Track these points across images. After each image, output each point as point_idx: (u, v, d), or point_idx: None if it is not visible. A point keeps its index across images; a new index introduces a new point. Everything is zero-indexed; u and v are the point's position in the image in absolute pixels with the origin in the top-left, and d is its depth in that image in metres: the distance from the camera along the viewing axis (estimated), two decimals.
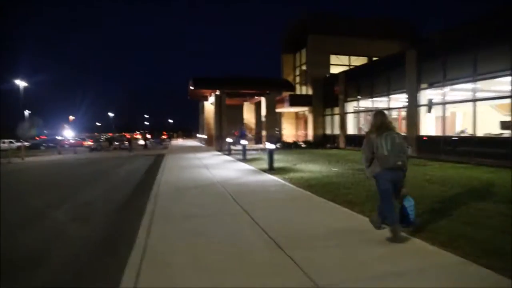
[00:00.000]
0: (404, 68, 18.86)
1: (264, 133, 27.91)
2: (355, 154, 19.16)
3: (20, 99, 44.84)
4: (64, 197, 9.81)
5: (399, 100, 20.62)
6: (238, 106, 35.41)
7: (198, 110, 69.19)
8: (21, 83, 44.94)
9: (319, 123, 29.02)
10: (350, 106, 25.54)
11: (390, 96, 20.60)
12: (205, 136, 35.51)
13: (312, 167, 13.35)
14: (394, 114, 21.39)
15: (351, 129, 25.67)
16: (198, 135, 49.30)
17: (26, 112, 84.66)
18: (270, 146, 12.70)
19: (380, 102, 22.53)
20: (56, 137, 64.51)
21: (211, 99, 30.94)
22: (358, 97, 23.91)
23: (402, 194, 4.74)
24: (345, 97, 25.48)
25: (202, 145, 36.90)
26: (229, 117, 27.60)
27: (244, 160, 17.02)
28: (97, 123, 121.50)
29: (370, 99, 22.53)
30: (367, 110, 23.73)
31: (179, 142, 52.50)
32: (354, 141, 24.40)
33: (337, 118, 27.03)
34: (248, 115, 34.67)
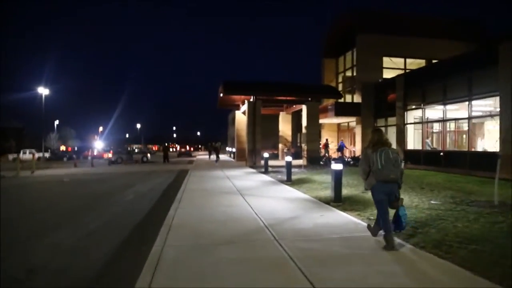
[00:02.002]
0: (496, 66, 14.50)
1: (304, 146, 23.81)
2: (432, 176, 14.78)
3: (42, 107, 42.83)
4: (19, 240, 6.08)
5: (485, 105, 16.20)
6: (273, 116, 31.55)
7: (227, 121, 66.15)
8: (44, 91, 43.05)
9: (368, 136, 24.58)
10: (411, 116, 21.17)
11: (472, 101, 16.16)
12: (235, 150, 31.70)
13: None
14: (475, 122, 16.87)
15: (412, 143, 21.23)
16: (227, 148, 45.72)
17: (56, 122, 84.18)
18: (336, 166, 8.65)
19: (454, 110, 18.12)
20: (76, 148, 62.84)
21: (243, 107, 27.21)
22: (422, 104, 19.53)
23: (398, 204, 5.10)
24: (404, 105, 21.12)
25: (232, 159, 33.10)
26: (262, 129, 23.68)
27: (290, 182, 13.01)
28: (127, 135, 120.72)
29: (441, 106, 18.10)
30: (436, 121, 19.26)
31: (206, 156, 49.02)
32: (416, 158, 19.94)
33: (393, 130, 22.64)
34: (284, 127, 30.67)
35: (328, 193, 10.14)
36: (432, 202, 8.52)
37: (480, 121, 17.94)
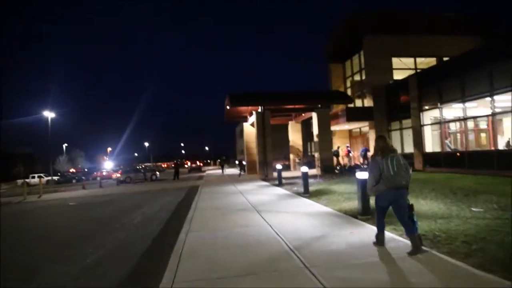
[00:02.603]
0: None
1: (317, 155, 22.92)
2: (458, 179, 13.79)
3: (48, 131, 42.51)
4: None
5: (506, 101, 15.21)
6: (282, 126, 30.76)
7: (234, 135, 65.47)
8: (49, 114, 42.77)
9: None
10: (427, 117, 20.20)
11: (494, 96, 15.19)
12: (245, 163, 30.86)
13: (430, 207, 8.25)
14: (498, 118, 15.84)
15: (430, 146, 20.21)
16: (236, 161, 44.87)
17: (64, 145, 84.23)
18: (362, 175, 7.75)
19: (473, 108, 17.13)
20: (85, 169, 62.39)
21: (251, 119, 26.47)
22: (439, 104, 18.57)
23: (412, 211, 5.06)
24: (419, 106, 20.19)
25: (242, 173, 32.23)
26: (272, 139, 22.83)
27: (307, 194, 12.11)
28: (135, 154, 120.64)
29: (460, 104, 17.13)
30: (456, 120, 18.26)
31: (215, 170, 48.22)
32: (436, 160, 18.94)
33: (408, 133, 21.69)
34: (294, 136, 29.83)
35: (352, 204, 9.26)
36: (474, 209, 7.56)
37: (499, 118, 16.92)
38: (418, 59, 25.08)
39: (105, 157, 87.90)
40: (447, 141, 19.25)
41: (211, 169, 60.49)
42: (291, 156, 30.19)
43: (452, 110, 18.51)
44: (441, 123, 19.03)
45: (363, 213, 7.60)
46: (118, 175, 37.09)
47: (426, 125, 20.14)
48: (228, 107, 25.08)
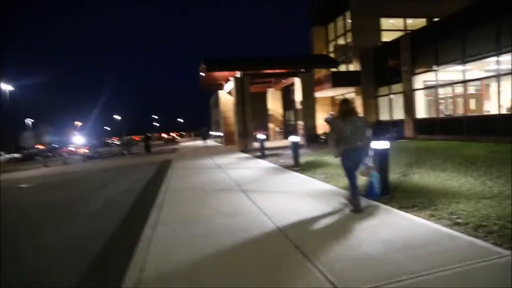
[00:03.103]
0: None
1: (300, 124, 21.21)
2: (464, 147, 12.38)
3: (5, 103, 39.05)
4: None
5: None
6: (260, 94, 28.68)
7: (209, 106, 62.97)
8: (7, 87, 39.25)
9: (371, 107, 22.19)
10: (420, 81, 18.68)
11: (500, 56, 13.69)
12: (222, 134, 28.88)
13: (460, 182, 6.67)
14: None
15: (422, 112, 18.80)
16: (211, 132, 42.78)
17: (28, 120, 79.60)
18: (380, 144, 6.03)
19: (473, 70, 15.64)
20: (54, 145, 58.89)
21: (228, 86, 24.36)
22: (435, 66, 17.00)
23: (368, 170, 5.58)
24: (411, 69, 18.60)
25: (219, 144, 30.26)
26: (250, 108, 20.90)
27: (298, 167, 10.40)
28: (107, 128, 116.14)
29: (460, 66, 15.59)
30: (454, 83, 16.74)
31: (191, 142, 46.03)
32: (429, 127, 17.58)
33: (398, 99, 20.20)
34: (274, 105, 27.94)
35: (362, 178, 7.60)
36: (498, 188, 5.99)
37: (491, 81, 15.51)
38: (408, 21, 23.34)
39: (74, 132, 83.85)
40: (441, 107, 17.88)
41: (187, 141, 58.08)
42: (271, 125, 28.36)
43: (448, 74, 17.02)
44: (436, 87, 17.52)
45: (382, 193, 5.94)
46: (86, 150, 34.47)
47: (418, 89, 18.64)
48: (203, 74, 22.85)
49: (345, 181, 7.49)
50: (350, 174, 5.33)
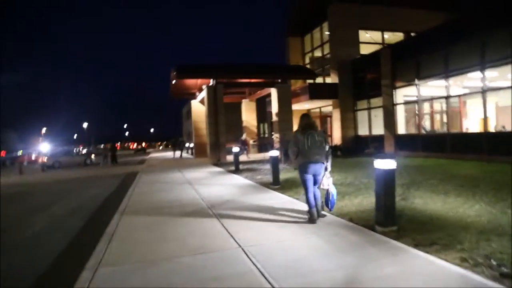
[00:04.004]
0: None
1: (276, 136, 20.18)
2: (450, 165, 11.62)
3: None
4: None
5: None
6: (234, 105, 27.61)
7: (181, 116, 61.29)
8: None
9: (348, 121, 21.45)
10: (400, 95, 18.07)
11: (486, 70, 13.16)
12: (192, 145, 27.45)
13: (477, 212, 5.69)
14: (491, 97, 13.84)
15: (403, 127, 18.17)
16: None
17: None
18: (384, 164, 4.93)
19: (456, 85, 15.13)
20: (16, 152, 55.43)
21: (201, 95, 23.10)
22: (416, 80, 16.41)
23: (327, 183, 5.63)
24: (392, 83, 17.98)
25: (189, 156, 28.76)
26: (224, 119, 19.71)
27: (278, 185, 9.25)
28: (75, 135, 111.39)
29: (443, 80, 15.02)
30: (435, 98, 16.19)
31: (161, 153, 44.17)
32: (411, 144, 16.91)
33: (378, 113, 19.53)
34: (248, 116, 26.86)
35: (355, 203, 6.53)
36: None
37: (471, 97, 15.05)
38: (386, 34, 22.93)
39: (40, 139, 79.83)
40: (423, 123, 17.28)
41: (156, 151, 55.96)
42: (244, 137, 27.20)
43: (430, 88, 16.50)
44: (418, 102, 16.91)
45: (385, 223, 4.86)
46: (45, 160, 32.09)
47: (399, 104, 18.01)
48: (174, 81, 21.53)
49: (340, 207, 6.41)
50: (307, 186, 5.45)
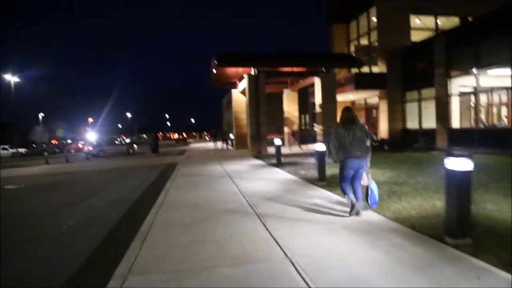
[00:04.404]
0: None
1: (320, 128, 19.38)
2: None
3: (11, 96, 37.90)
4: None
5: None
6: (275, 95, 26.90)
7: (221, 107, 61.39)
8: (12, 78, 38.07)
9: (396, 113, 20.25)
10: (456, 85, 16.72)
11: None
12: (233, 136, 27.11)
13: None
14: None
15: (457, 121, 16.83)
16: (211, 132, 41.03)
17: (40, 115, 78.83)
18: (457, 164, 4.17)
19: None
20: (67, 140, 57.75)
21: (242, 84, 22.63)
22: (474, 69, 15.04)
23: (368, 179, 5.52)
24: (446, 72, 16.64)
25: (229, 147, 28.41)
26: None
27: (323, 182, 8.58)
28: (119, 125, 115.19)
29: (508, 68, 13.62)
30: (498, 88, 14.83)
31: (201, 144, 44.42)
32: (466, 139, 15.58)
33: (428, 106, 18.26)
34: (290, 107, 26.11)
35: (414, 206, 5.78)
36: None
37: None
38: (440, 19, 21.36)
39: (87, 128, 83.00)
40: (481, 116, 15.91)
41: (197, 141, 56.46)
42: (286, 129, 26.51)
43: (490, 78, 15.10)
44: (476, 93, 15.55)
45: (459, 234, 4.11)
46: (90, 148, 32.96)
47: (453, 95, 16.67)
48: (214, 70, 21.19)
49: (397, 210, 5.67)
50: (345, 181, 5.41)
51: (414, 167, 10.56)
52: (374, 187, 5.64)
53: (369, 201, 5.62)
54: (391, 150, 17.37)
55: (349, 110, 5.51)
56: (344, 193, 5.50)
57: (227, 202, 6.89)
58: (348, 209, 5.60)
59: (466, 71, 15.70)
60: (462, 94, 16.59)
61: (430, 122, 17.99)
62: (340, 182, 5.48)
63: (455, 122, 16.71)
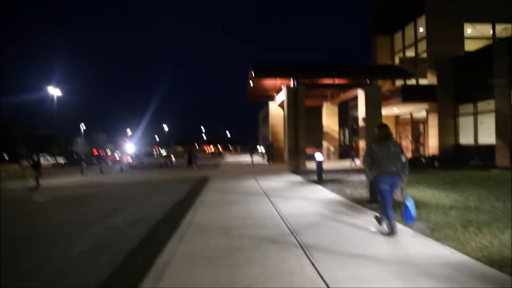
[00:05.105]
0: None
1: (363, 144, 18.01)
2: None
3: (53, 109, 38.84)
4: None
5: None
6: (314, 109, 25.70)
7: (257, 119, 60.72)
8: (55, 91, 39.09)
9: (447, 128, 18.53)
10: None
11: None
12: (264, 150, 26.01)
13: None
14: None
15: None
16: (259, 147, 40.09)
17: (82, 126, 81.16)
18: None
19: None
20: (109, 152, 58.77)
21: (280, 97, 21.68)
22: None
23: (402, 195, 5.44)
24: (509, 82, 14.95)
25: (265, 162, 27.29)
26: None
27: (376, 203, 7.34)
28: (156, 136, 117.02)
29: None
30: None
31: (235, 157, 43.64)
32: None
33: (484, 120, 16.53)
34: (329, 121, 24.85)
35: (504, 242, 4.49)
36: None
37: None
38: (498, 26, 19.60)
39: (125, 139, 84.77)
40: None
41: (232, 155, 55.83)
42: (325, 144, 25.22)
43: None
44: None
45: None
46: (130, 160, 32.96)
47: None
48: (251, 82, 20.40)
49: (483, 247, 4.38)
50: (384, 197, 5.22)
51: (481, 188, 9.08)
52: (410, 203, 5.57)
53: (404, 218, 5.56)
54: (443, 167, 15.74)
55: (384, 127, 5.49)
56: (388, 217, 5.14)
57: (263, 227, 5.83)
58: (409, 244, 4.38)
59: None
60: None
61: (487, 137, 16.23)
62: (383, 205, 5.23)
63: None
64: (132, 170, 27.77)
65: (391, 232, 5.04)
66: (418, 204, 7.14)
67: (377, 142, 5.31)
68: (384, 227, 5.23)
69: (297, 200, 8.44)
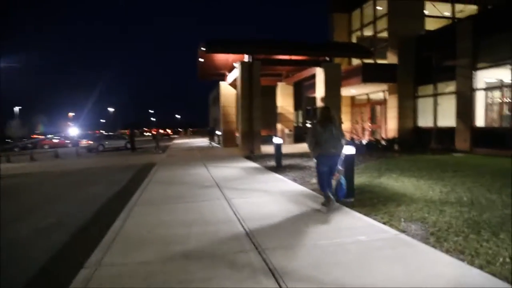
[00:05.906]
0: None
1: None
2: None
3: None
4: None
5: None
6: (268, 88, 24.23)
7: (207, 101, 58.65)
8: None
9: (407, 110, 17.87)
10: (481, 79, 14.43)
11: None
12: (221, 133, 24.38)
13: None
14: None
15: (482, 119, 14.54)
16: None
17: (16, 108, 74.31)
18: None
19: None
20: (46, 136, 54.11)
21: (232, 75, 20.01)
22: (510, 60, 12.79)
23: (338, 173, 5.70)
24: (472, 63, 14.34)
25: (216, 145, 25.63)
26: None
27: (351, 199, 6.08)
28: (101, 120, 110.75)
29: None
30: None
31: (185, 140, 41.51)
32: (494, 139, 13.38)
33: (446, 101, 15.97)
34: (284, 101, 23.56)
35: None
36: None
37: None
38: (458, 6, 19.07)
39: (69, 123, 79.20)
40: (508, 113, 13.66)
41: (182, 137, 53.48)
42: (279, 126, 23.98)
43: None
44: (504, 86, 13.26)
45: None
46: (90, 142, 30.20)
47: (479, 89, 14.37)
48: (201, 59, 18.54)
49: (503, 260, 3.16)
50: (322, 176, 5.57)
51: (461, 176, 8.13)
52: (343, 181, 5.78)
53: (338, 194, 5.74)
54: (403, 151, 15.00)
55: (327, 109, 5.73)
56: (322, 189, 5.61)
57: (218, 240, 4.30)
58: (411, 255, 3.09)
59: (497, 62, 13.42)
60: (489, 89, 14.28)
61: (446, 120, 15.72)
62: (318, 180, 5.69)
63: (480, 120, 14.42)
64: (89, 154, 25.55)
65: (327, 202, 5.36)
66: (403, 199, 5.93)
67: (320, 124, 5.49)
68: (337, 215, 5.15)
69: (256, 194, 6.99)
